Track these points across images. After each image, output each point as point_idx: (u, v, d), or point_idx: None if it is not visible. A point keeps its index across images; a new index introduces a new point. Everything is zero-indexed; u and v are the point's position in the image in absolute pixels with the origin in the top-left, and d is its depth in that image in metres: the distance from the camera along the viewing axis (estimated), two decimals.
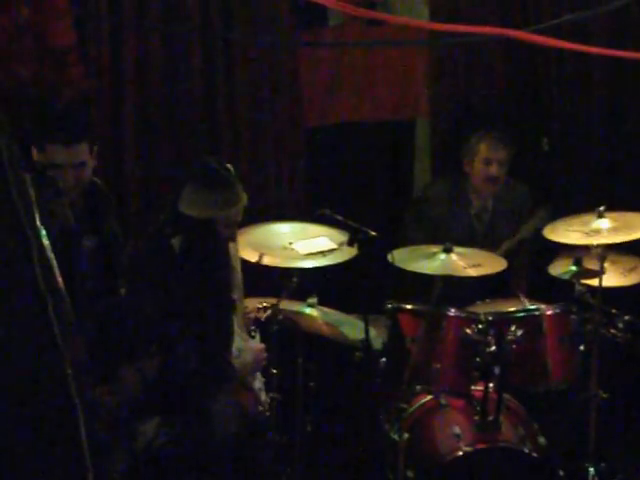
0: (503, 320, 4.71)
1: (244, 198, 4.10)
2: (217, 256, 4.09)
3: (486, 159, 5.54)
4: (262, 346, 4.36)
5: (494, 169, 5.55)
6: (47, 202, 3.37)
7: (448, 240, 5.00)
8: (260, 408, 4.32)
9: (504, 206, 5.69)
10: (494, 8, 5.96)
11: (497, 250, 5.47)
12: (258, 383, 4.35)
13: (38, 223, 2.49)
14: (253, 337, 4.44)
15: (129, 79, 5.50)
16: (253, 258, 4.85)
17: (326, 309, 5.13)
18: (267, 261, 4.88)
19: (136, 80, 5.52)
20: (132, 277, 4.08)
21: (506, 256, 5.22)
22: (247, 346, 4.25)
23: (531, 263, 5.63)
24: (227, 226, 4.08)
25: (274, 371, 4.58)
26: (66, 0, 2.92)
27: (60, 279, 2.47)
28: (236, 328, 4.15)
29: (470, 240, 5.44)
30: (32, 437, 2.27)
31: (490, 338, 4.62)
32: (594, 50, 5.02)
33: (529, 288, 5.40)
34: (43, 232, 2.50)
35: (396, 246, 4.94)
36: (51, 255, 2.50)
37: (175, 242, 4.02)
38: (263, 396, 4.37)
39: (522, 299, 5.24)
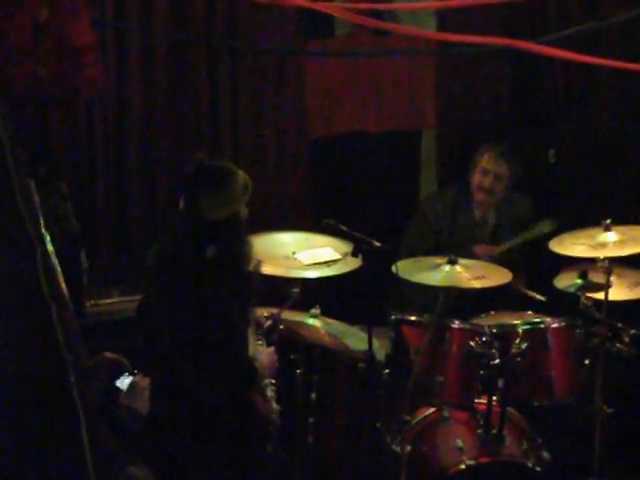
0: (508, 333, 4.69)
1: (248, 179, 4.08)
2: (245, 253, 4.08)
3: (484, 169, 5.56)
4: (272, 349, 4.34)
5: (488, 181, 5.55)
6: (52, 208, 3.35)
7: (451, 249, 4.97)
8: (273, 416, 4.30)
9: (506, 219, 5.69)
10: (501, 19, 5.95)
11: (498, 248, 5.48)
12: (270, 392, 4.33)
13: (43, 229, 2.47)
14: (260, 344, 4.42)
15: (134, 87, 5.50)
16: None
17: (329, 320, 5.10)
18: (267, 270, 4.85)
19: (141, 90, 5.51)
20: (160, 280, 4.07)
21: (507, 255, 5.21)
22: (260, 350, 4.24)
23: (536, 274, 5.60)
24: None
25: (273, 382, 4.54)
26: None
27: (64, 285, 2.45)
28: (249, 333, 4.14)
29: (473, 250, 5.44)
30: (34, 443, 2.25)
31: (494, 351, 4.60)
32: (601, 62, 5.01)
33: (534, 301, 5.36)
34: (48, 238, 2.48)
35: (399, 255, 4.92)
36: (55, 261, 2.48)
37: (209, 251, 3.98)
38: (274, 404, 4.34)
39: (524, 291, 5.22)
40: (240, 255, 4.00)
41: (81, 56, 2.65)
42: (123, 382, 3.77)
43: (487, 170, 5.55)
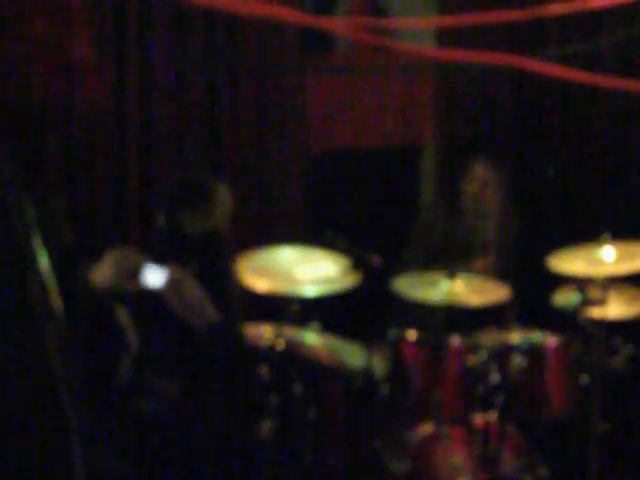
0: (506, 350, 4.70)
1: (231, 195, 4.05)
2: (228, 268, 4.08)
3: (472, 178, 5.54)
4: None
5: (475, 189, 5.53)
6: (47, 223, 3.34)
7: (445, 260, 4.98)
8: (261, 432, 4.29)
9: (499, 231, 5.67)
10: (502, 37, 5.96)
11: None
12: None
13: (37, 244, 2.46)
14: None
15: (133, 102, 5.50)
16: (255, 283, 4.82)
17: (328, 336, 5.09)
18: (266, 285, 4.85)
19: (140, 103, 5.52)
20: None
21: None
22: None
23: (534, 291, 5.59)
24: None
25: (272, 398, 4.54)
26: (84, 13, 2.92)
27: (57, 302, 2.44)
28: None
29: (467, 261, 5.42)
30: (23, 465, 2.24)
31: (493, 368, 4.61)
32: (602, 82, 5.01)
33: (532, 317, 5.35)
34: (42, 253, 2.47)
35: (399, 270, 4.92)
36: (49, 277, 2.47)
37: (191, 266, 3.98)
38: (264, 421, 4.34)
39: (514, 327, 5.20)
40: (223, 270, 4.00)
41: (79, 71, 2.65)
42: (154, 277, 3.32)
43: (475, 178, 5.54)
